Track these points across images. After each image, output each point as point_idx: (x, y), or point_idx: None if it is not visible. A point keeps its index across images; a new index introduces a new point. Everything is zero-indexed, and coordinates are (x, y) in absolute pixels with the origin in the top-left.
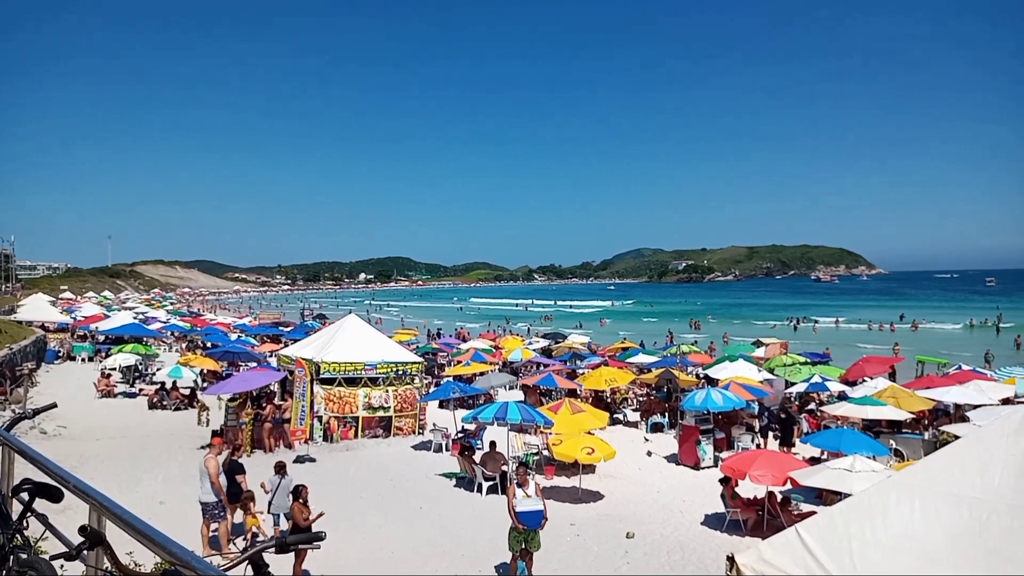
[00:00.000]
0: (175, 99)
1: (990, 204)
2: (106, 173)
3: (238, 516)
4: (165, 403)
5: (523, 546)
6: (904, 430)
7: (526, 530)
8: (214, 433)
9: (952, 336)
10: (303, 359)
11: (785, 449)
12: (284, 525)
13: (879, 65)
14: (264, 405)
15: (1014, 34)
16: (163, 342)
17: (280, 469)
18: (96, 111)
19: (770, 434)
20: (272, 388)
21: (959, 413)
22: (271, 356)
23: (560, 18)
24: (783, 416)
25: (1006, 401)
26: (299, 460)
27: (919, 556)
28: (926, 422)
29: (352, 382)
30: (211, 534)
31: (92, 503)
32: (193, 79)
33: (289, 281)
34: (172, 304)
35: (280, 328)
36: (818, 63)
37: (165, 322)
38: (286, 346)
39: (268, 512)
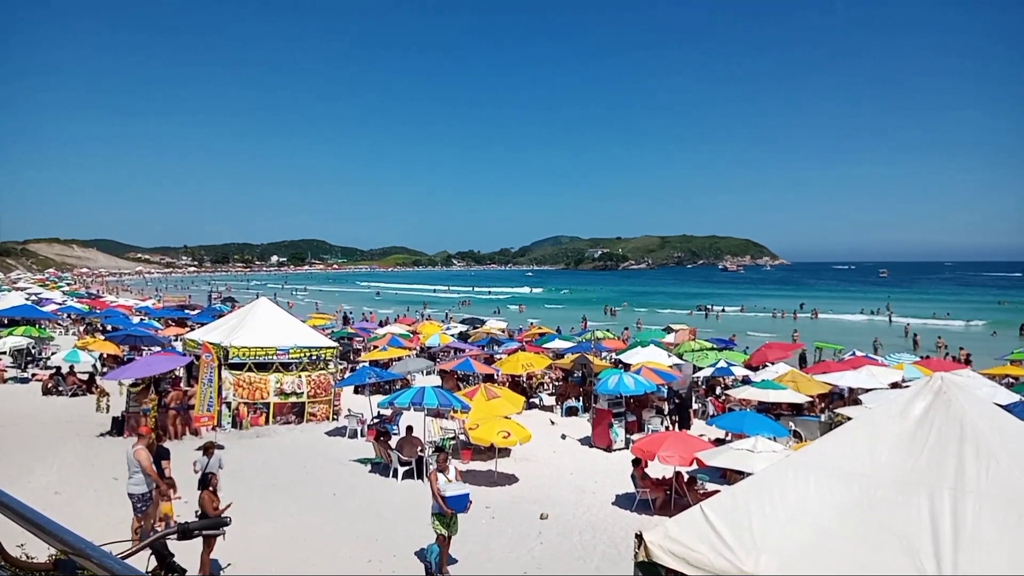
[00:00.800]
0: (70, 63)
1: (884, 201)
2: None
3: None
4: (61, 388)
5: (446, 531)
6: (803, 413)
7: (452, 514)
8: (117, 420)
9: (851, 325)
10: (210, 343)
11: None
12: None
13: (784, 58)
14: (168, 391)
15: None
16: (59, 325)
17: (208, 449)
18: None
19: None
20: (178, 373)
21: (853, 396)
22: (176, 340)
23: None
24: (677, 400)
25: (895, 385)
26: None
27: (813, 530)
28: (823, 405)
29: (263, 367)
30: (139, 526)
31: None
32: (95, 36)
33: (196, 263)
34: (69, 285)
35: (186, 311)
36: (728, 56)
37: (61, 304)
38: (192, 330)
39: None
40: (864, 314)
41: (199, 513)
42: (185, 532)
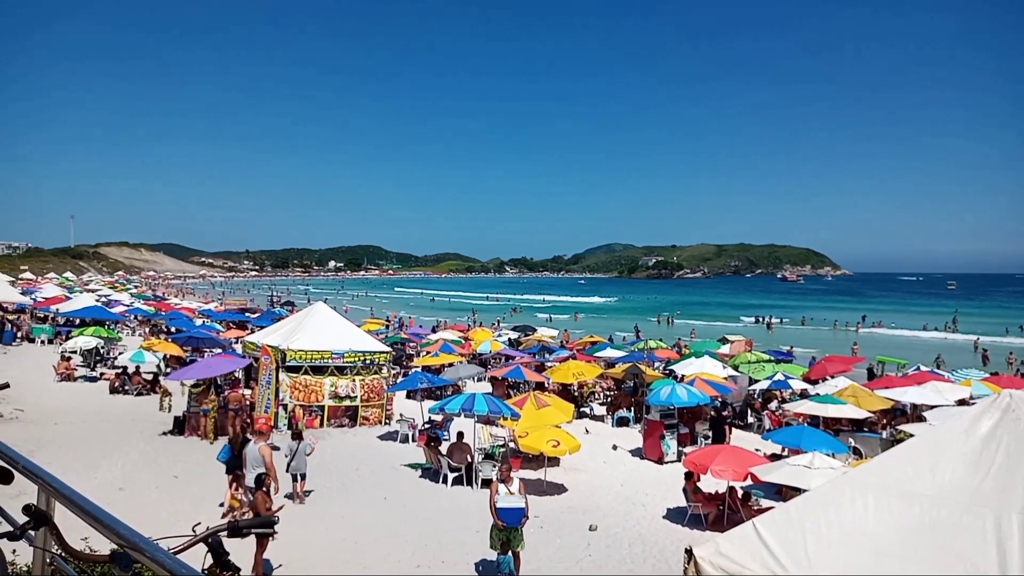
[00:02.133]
0: (143, 76)
1: (952, 211)
2: (70, 150)
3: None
4: (127, 388)
5: (506, 543)
6: (864, 429)
7: (506, 527)
8: (179, 420)
9: (914, 340)
10: (269, 346)
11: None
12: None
13: (849, 69)
14: (227, 392)
15: (992, 43)
16: (126, 326)
17: (298, 436)
18: (59, 87)
19: (733, 429)
20: (237, 375)
21: (916, 413)
22: (236, 342)
23: (542, 5)
24: (712, 415)
25: (961, 402)
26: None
27: (871, 551)
28: (884, 421)
29: (319, 370)
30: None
31: (41, 484)
32: (167, 59)
33: (257, 267)
34: (136, 287)
35: (246, 314)
36: (789, 65)
37: (128, 305)
38: (252, 332)
39: (287, 472)
40: (927, 330)
41: (253, 512)
42: (235, 530)
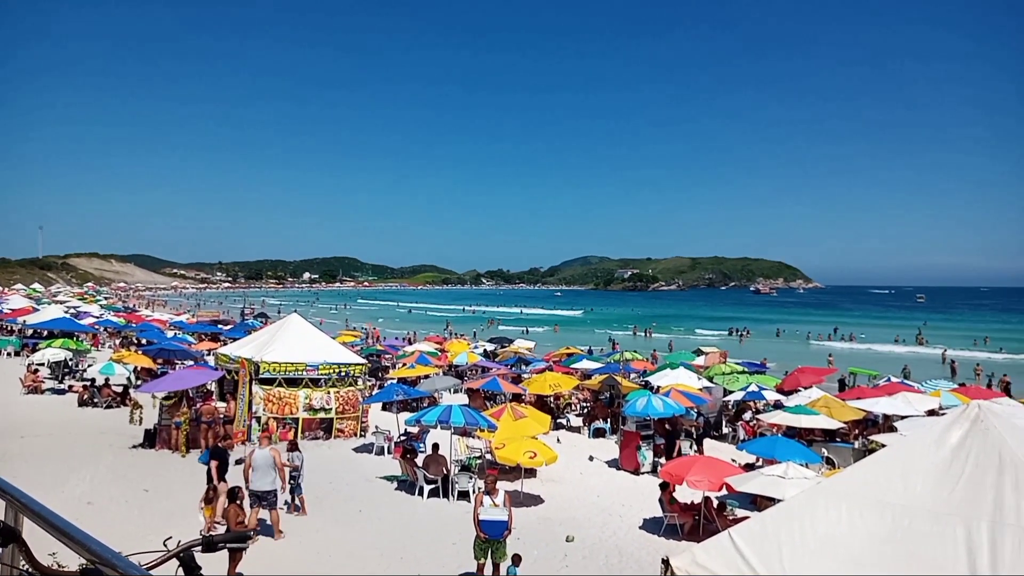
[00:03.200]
0: (114, 86)
1: (924, 225)
2: (37, 159)
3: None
4: (96, 400)
5: (488, 556)
6: (836, 439)
7: (488, 539)
8: (150, 433)
9: (884, 352)
10: (241, 358)
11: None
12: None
13: (818, 85)
14: (199, 404)
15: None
16: (96, 338)
17: (293, 446)
18: (26, 95)
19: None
20: (209, 387)
21: (888, 423)
22: (209, 355)
23: (525, 18)
24: (668, 429)
25: (931, 412)
26: (238, 462)
27: (844, 559)
28: (857, 432)
29: (293, 383)
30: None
31: (7, 499)
32: (137, 67)
33: (230, 279)
34: (106, 299)
35: (219, 326)
36: (765, 83)
37: (98, 317)
38: (225, 344)
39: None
40: (898, 342)
41: (225, 527)
42: (210, 544)
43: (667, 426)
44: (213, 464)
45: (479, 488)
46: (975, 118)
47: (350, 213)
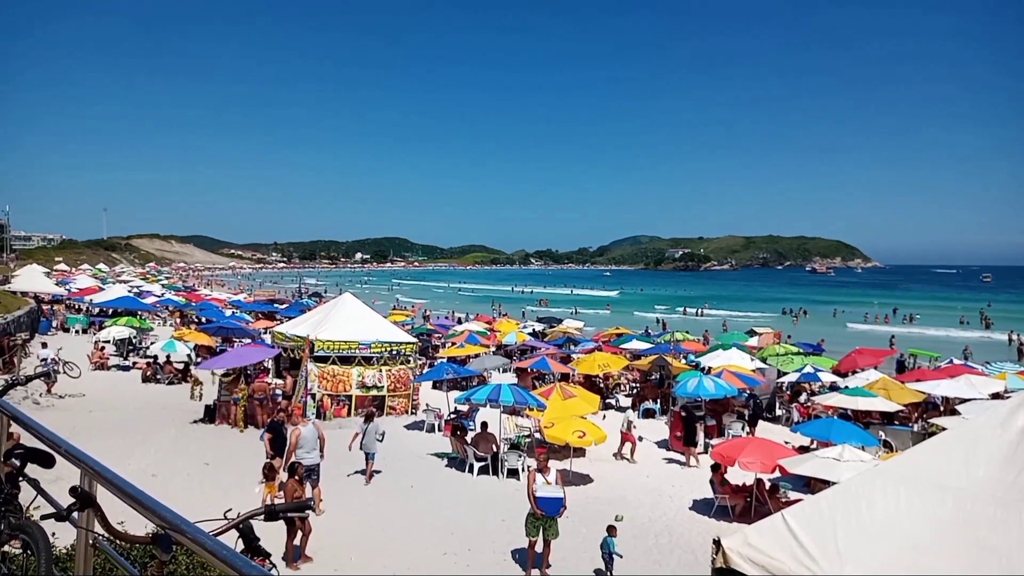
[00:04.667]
0: (174, 71)
1: (988, 201)
2: (103, 144)
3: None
4: (159, 377)
5: (540, 534)
6: (895, 422)
7: (543, 517)
8: (209, 408)
9: (945, 328)
10: (297, 336)
11: (691, 449)
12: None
13: (877, 61)
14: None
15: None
16: (157, 316)
17: (369, 417)
18: (93, 81)
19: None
20: (266, 364)
21: (949, 406)
22: (265, 333)
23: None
24: (683, 414)
25: (995, 396)
26: None
27: (902, 544)
28: (916, 415)
29: (346, 361)
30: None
31: (84, 467)
32: (194, 54)
33: (285, 259)
34: (167, 279)
35: (275, 305)
36: (815, 57)
37: (160, 296)
38: (281, 323)
39: (360, 449)
40: (963, 324)
41: (284, 499)
42: (272, 513)
43: (683, 413)
44: (267, 437)
45: (529, 466)
46: None
47: (402, 195)
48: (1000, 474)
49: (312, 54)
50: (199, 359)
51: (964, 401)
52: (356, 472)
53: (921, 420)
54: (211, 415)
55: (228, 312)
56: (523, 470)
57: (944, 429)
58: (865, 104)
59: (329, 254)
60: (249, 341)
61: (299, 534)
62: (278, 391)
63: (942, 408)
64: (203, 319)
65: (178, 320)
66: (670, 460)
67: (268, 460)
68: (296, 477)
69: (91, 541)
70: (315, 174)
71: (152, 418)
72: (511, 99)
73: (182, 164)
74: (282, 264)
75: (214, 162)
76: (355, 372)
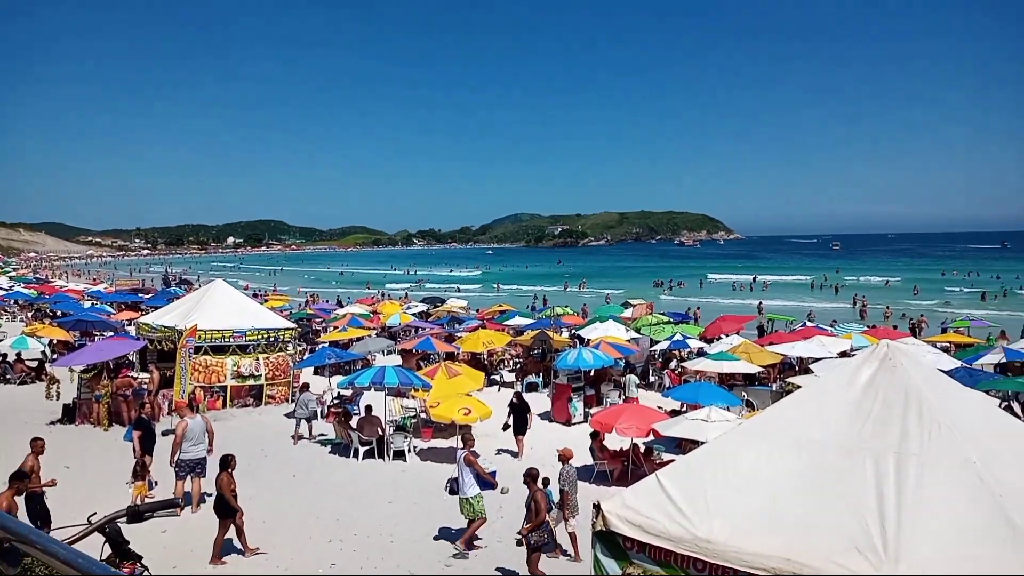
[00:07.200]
0: (26, 39)
1: (838, 175)
2: None
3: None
4: (8, 377)
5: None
6: (756, 383)
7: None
8: (69, 408)
9: (798, 294)
10: (165, 327)
11: (519, 437)
12: (303, 429)
13: (738, 37)
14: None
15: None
16: (5, 311)
17: (304, 388)
18: None
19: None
20: (131, 358)
21: (803, 366)
22: (130, 324)
23: None
24: (513, 403)
25: (843, 354)
26: (165, 433)
27: (764, 495)
28: (774, 375)
29: (219, 350)
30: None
31: None
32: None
33: (149, 245)
34: (15, 270)
35: (139, 295)
36: (687, 36)
37: (8, 289)
38: (146, 313)
39: (294, 417)
40: (814, 289)
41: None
42: (136, 515)
43: (514, 400)
44: (136, 435)
45: (470, 449)
46: (889, 73)
47: (277, 175)
48: (848, 425)
49: (179, 19)
50: (55, 355)
51: (816, 360)
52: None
53: (779, 380)
54: (71, 415)
55: (87, 304)
56: (409, 451)
57: (799, 387)
58: (726, 83)
59: (198, 239)
60: (112, 334)
61: (232, 528)
62: (145, 386)
63: (797, 368)
64: (59, 312)
65: (30, 315)
66: (553, 431)
67: (138, 459)
68: (229, 470)
69: None
70: (181, 153)
71: (2, 422)
72: (388, 80)
73: (30, 144)
74: (146, 251)
75: (68, 142)
76: (230, 362)
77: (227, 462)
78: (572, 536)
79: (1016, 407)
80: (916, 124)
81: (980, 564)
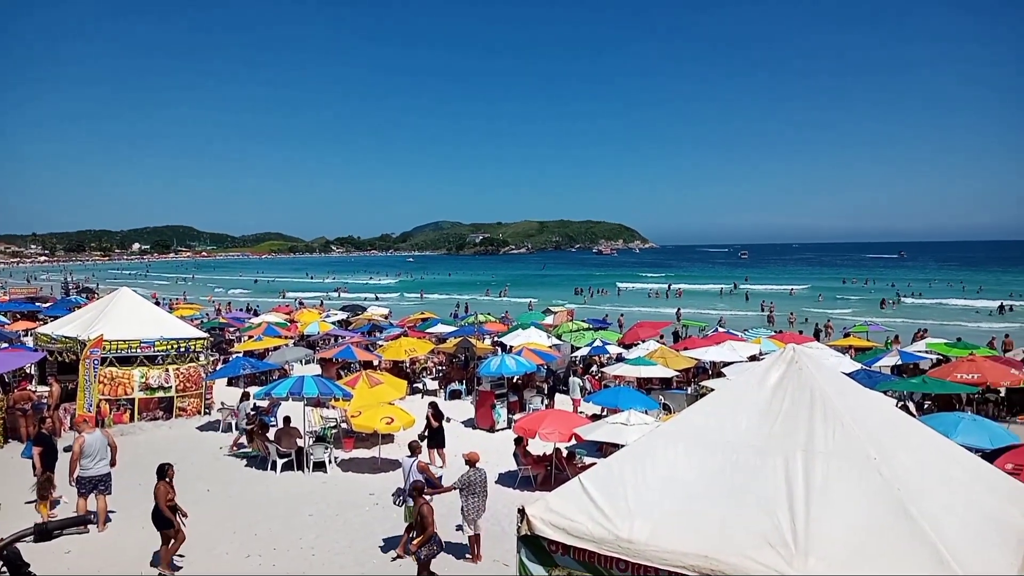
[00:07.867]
0: None
1: (747, 186)
2: None
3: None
4: None
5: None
6: (672, 386)
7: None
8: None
9: (710, 301)
10: (65, 337)
11: (437, 451)
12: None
13: (651, 51)
14: (14, 390)
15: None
16: None
17: (245, 396)
18: None
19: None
20: (28, 370)
21: (716, 369)
22: (26, 335)
23: None
24: (431, 411)
25: (753, 358)
26: (67, 449)
27: (681, 495)
28: (689, 378)
29: (126, 361)
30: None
31: None
32: None
33: (47, 251)
34: None
35: (37, 304)
36: (605, 48)
37: None
38: (45, 323)
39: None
40: (722, 295)
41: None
42: (44, 533)
43: (430, 410)
44: (36, 452)
45: (415, 460)
46: (799, 87)
47: (184, 179)
48: (758, 426)
49: (76, 13)
50: None
51: (728, 364)
52: (140, 481)
53: (693, 383)
54: None
55: None
56: (330, 462)
57: (712, 390)
58: (644, 97)
59: (101, 245)
60: (7, 345)
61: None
62: (45, 400)
63: (710, 372)
64: None
65: None
66: (477, 438)
67: (39, 476)
68: (166, 479)
69: None
70: (81, 154)
71: None
72: (309, 86)
73: None
74: (44, 257)
75: None
76: (137, 373)
77: (163, 471)
78: (472, 539)
79: (911, 406)
80: (820, 140)
81: (882, 554)
